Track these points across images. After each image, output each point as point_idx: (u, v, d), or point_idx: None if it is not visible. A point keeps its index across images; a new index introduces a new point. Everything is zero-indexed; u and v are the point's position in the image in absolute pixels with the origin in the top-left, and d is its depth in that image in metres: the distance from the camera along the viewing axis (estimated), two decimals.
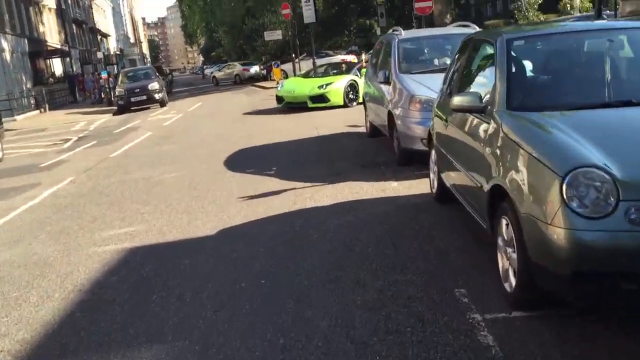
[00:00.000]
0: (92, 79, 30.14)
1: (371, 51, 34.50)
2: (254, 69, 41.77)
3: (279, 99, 16.77)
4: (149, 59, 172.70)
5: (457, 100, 3.98)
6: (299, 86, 16.53)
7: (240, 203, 6.50)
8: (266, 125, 13.59)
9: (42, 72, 41.46)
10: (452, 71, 5.52)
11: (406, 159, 7.53)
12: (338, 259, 4.44)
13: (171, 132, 14.42)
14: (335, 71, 17.52)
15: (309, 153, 9.29)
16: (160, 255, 4.98)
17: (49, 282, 4.67)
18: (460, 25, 9.50)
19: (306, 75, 19.16)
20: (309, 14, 29.57)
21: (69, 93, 30.23)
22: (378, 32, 38.02)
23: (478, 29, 8.88)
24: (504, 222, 3.52)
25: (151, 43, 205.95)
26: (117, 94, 24.62)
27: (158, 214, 6.38)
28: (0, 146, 13.08)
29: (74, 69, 52.67)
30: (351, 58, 33.74)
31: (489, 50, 4.42)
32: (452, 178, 4.86)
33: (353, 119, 12.59)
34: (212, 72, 55.07)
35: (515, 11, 22.30)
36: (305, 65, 32.91)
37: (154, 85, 24.39)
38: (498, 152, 3.56)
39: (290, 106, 16.15)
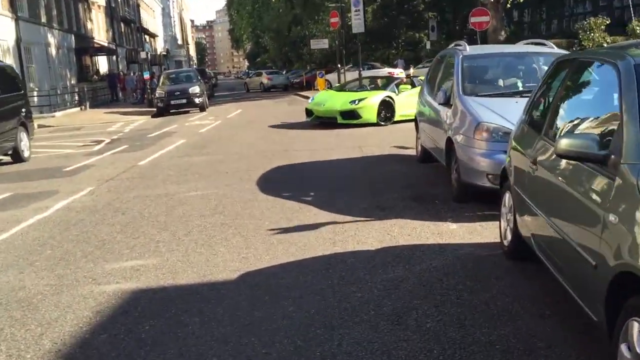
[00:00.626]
0: (133, 79, 29.75)
1: (419, 65, 33.39)
2: (280, 79, 41.04)
3: (308, 112, 15.65)
4: (195, 61, 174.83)
5: (565, 143, 2.91)
6: (331, 100, 15.40)
7: (270, 237, 5.54)
8: (306, 139, 12.65)
9: (87, 69, 41.59)
10: (539, 97, 4.46)
11: (466, 195, 6.46)
12: (385, 340, 3.41)
13: (206, 140, 13.62)
14: (372, 86, 16.33)
15: (352, 177, 8.29)
16: (166, 308, 4.03)
17: (25, 333, 3.78)
18: (532, 43, 8.38)
19: (341, 88, 17.98)
20: (357, 24, 28.66)
21: (110, 92, 29.90)
22: (428, 46, 36.87)
23: (556, 48, 7.76)
24: (635, 327, 2.45)
25: (198, 45, 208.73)
26: (157, 95, 24.10)
27: (174, 245, 5.46)
28: (28, 145, 12.45)
29: (120, 68, 52.95)
30: (398, 71, 32.73)
31: (605, 75, 3.36)
32: (539, 235, 3.79)
33: (400, 139, 11.56)
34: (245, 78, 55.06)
35: (580, 31, 20.94)
36: (351, 76, 31.99)
37: (195, 89, 23.78)
38: (633, 223, 2.50)
39: (320, 120, 15.07)
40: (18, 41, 27.31)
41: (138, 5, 73.07)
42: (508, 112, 6.16)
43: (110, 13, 51.97)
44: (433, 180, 7.75)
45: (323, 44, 34.43)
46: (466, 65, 7.32)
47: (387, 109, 14.38)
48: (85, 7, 43.40)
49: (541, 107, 4.36)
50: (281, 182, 8.22)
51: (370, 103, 14.40)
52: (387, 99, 14.47)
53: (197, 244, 5.44)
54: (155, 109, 24.13)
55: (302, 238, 5.44)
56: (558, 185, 3.34)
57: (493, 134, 6.07)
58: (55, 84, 33.15)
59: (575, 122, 3.49)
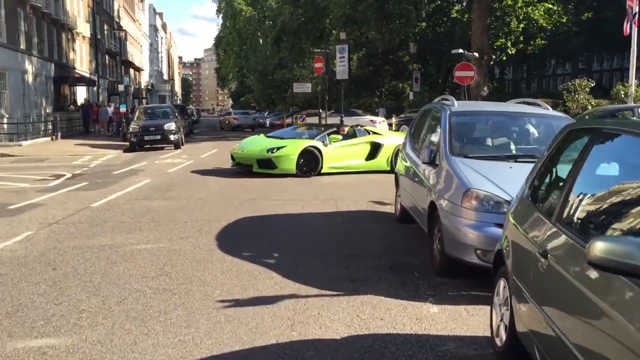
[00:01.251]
0: (107, 110, 28.83)
1: (401, 115, 33.07)
2: (247, 119, 43.23)
3: (232, 157, 14.72)
4: (180, 97, 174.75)
5: (602, 248, 2.10)
6: (253, 145, 14.56)
7: (218, 312, 4.65)
8: (279, 187, 11.84)
9: (65, 98, 40.69)
10: (546, 170, 3.73)
11: (450, 269, 5.66)
12: None
13: (172, 182, 12.73)
14: (308, 133, 15.17)
15: (323, 237, 7.46)
16: None
17: None
18: (524, 102, 7.76)
19: (274, 134, 16.77)
20: (341, 70, 28.34)
21: (82, 123, 28.93)
22: (410, 97, 36.71)
23: (551, 110, 7.13)
24: None
25: (184, 82, 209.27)
26: (130, 130, 23.24)
27: (100, 317, 4.54)
28: None
29: (100, 99, 52.14)
30: (380, 119, 32.35)
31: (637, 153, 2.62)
32: (549, 350, 2.97)
33: (378, 193, 10.82)
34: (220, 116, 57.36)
35: (564, 92, 20.71)
36: (332, 121, 31.54)
37: (170, 126, 22.98)
38: None
39: (240, 167, 14.24)
40: None
41: (125, 39, 72.79)
42: (501, 179, 5.45)
43: (95, 44, 51.37)
44: (413, 246, 6.96)
45: (306, 87, 34.05)
46: (454, 121, 6.63)
47: (309, 160, 13.65)
48: (69, 37, 42.81)
49: (549, 182, 3.62)
50: (243, 237, 7.36)
51: (288, 152, 13.63)
52: (311, 149, 13.73)
53: (128, 317, 4.53)
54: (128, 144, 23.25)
55: (255, 316, 4.56)
56: (585, 297, 2.52)
57: (484, 202, 5.32)
58: (30, 112, 32.17)
59: (606, 213, 2.71)
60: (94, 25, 48.65)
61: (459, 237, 5.36)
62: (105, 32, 58.30)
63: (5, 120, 27.93)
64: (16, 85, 30.17)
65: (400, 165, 8.43)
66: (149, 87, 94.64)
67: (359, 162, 14.18)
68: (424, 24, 39.20)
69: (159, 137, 22.70)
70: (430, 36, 39.88)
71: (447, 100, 7.34)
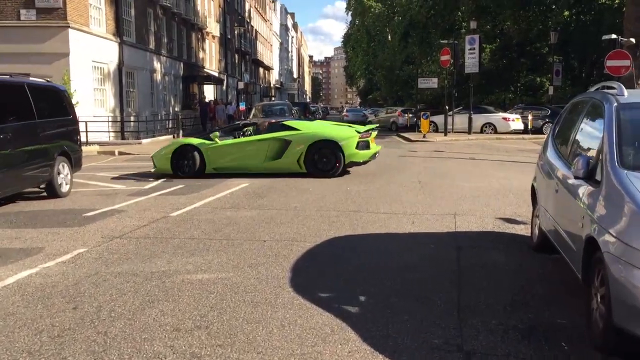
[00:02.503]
0: (223, 109, 28.49)
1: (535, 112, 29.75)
2: (357, 116, 41.98)
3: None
4: (309, 95, 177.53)
5: None
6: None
7: None
8: (390, 195, 10.11)
9: (193, 97, 41.61)
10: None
11: (619, 346, 3.67)
12: None
13: (272, 186, 11.43)
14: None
15: (430, 271, 5.64)
16: None
17: None
18: None
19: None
20: (471, 63, 25.89)
21: (200, 121, 28.88)
22: (550, 92, 33.15)
23: None
24: None
25: (314, 80, 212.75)
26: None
27: None
28: (69, 179, 10.85)
29: (229, 97, 53.19)
30: (514, 117, 29.39)
31: None
32: None
33: (511, 206, 8.76)
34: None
35: None
36: (460, 120, 29.10)
37: None
38: None
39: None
40: (120, 65, 27.05)
41: (255, 38, 74.22)
42: None
43: (225, 44, 52.42)
44: (557, 291, 4.97)
45: (432, 83, 31.78)
46: (626, 118, 4.55)
47: (187, 159, 12.88)
48: (199, 36, 43.72)
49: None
50: (326, 267, 5.74)
51: (164, 151, 13.18)
52: (187, 147, 12.96)
53: None
54: None
55: None
56: None
57: None
58: (157, 110, 32.92)
59: None
60: (224, 24, 49.61)
61: (637, 303, 3.36)
62: (236, 32, 59.48)
63: (132, 119, 28.60)
64: (144, 84, 30.87)
65: (540, 177, 6.39)
66: (277, 86, 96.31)
67: (259, 163, 12.82)
68: (566, 12, 35.39)
69: None
70: (573, 26, 35.94)
71: (612, 88, 5.23)
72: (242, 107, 28.52)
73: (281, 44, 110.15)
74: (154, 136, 27.73)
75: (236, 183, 11.93)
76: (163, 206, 9.29)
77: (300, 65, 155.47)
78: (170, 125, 30.92)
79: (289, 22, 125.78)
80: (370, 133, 12.90)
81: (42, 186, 10.34)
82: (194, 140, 13.40)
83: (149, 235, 7.13)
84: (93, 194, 10.85)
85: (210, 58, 48.19)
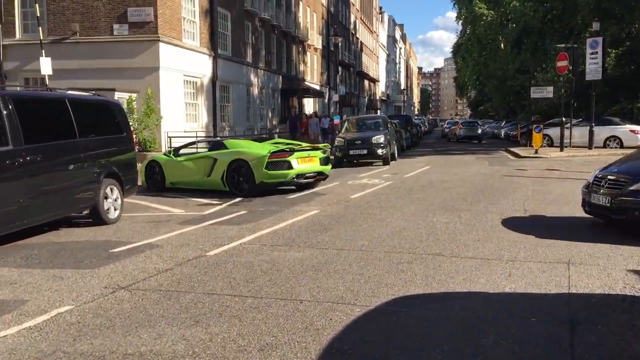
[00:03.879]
0: (317, 123, 27.02)
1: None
2: (472, 130, 39.08)
3: None
4: (418, 107, 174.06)
5: None
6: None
7: None
8: (483, 231, 8.08)
9: (291, 110, 40.88)
10: None
11: None
12: None
13: (342, 215, 9.76)
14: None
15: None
16: None
17: None
18: None
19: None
20: (593, 69, 22.81)
21: (290, 136, 27.65)
22: None
23: None
24: None
25: (423, 92, 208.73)
26: (336, 143, 21.05)
27: None
28: (120, 203, 9.78)
29: (332, 110, 52.21)
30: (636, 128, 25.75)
31: None
32: None
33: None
34: None
35: None
36: (579, 133, 25.89)
37: (379, 139, 20.22)
38: None
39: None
40: (214, 79, 26.56)
41: (360, 50, 73.05)
42: None
43: (327, 56, 51.54)
44: None
45: (547, 92, 28.68)
46: None
47: (153, 174, 13.85)
48: (300, 49, 43.05)
49: None
50: (370, 358, 3.96)
51: (140, 166, 13.76)
52: (153, 163, 13.91)
53: None
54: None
55: None
56: None
57: None
58: (254, 124, 32.30)
59: None
60: (327, 36, 48.72)
61: None
62: (340, 44, 58.52)
63: (226, 133, 28.03)
64: (240, 98, 30.32)
65: None
66: (383, 98, 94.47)
67: (199, 179, 13.11)
68: None
69: (365, 151, 20.12)
70: None
71: None
72: (337, 120, 27.05)
73: (388, 55, 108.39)
74: None
75: (305, 210, 10.37)
76: (206, 240, 7.88)
77: (408, 77, 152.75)
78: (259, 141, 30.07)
79: (397, 34, 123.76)
80: (292, 153, 12.46)
81: (85, 212, 9.32)
82: (161, 157, 13.98)
83: (160, 287, 5.68)
84: (143, 221, 9.70)
85: (312, 71, 47.44)
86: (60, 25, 22.12)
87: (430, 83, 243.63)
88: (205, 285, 5.68)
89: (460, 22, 70.73)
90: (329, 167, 13.73)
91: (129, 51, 21.55)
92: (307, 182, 12.99)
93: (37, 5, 19.39)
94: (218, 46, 27.27)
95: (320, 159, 13.18)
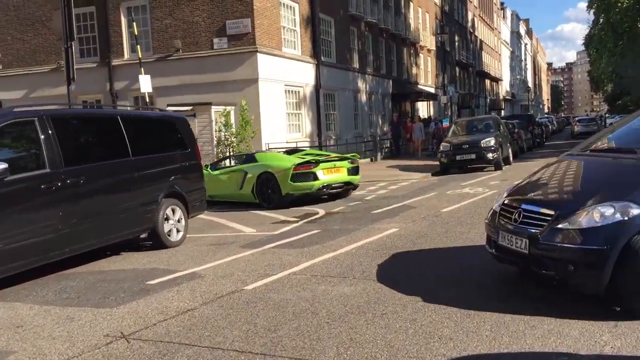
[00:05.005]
0: (420, 127, 25.29)
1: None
2: (590, 126, 34.60)
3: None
4: (548, 105, 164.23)
5: None
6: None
7: None
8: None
9: (395, 115, 39.45)
10: None
11: None
12: None
13: (426, 233, 8.43)
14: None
15: None
16: None
17: None
18: None
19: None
20: None
21: (392, 142, 26.09)
22: None
23: None
24: None
25: (554, 89, 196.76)
26: (441, 148, 19.47)
27: None
28: (183, 225, 9.15)
29: (449, 112, 50.03)
30: None
31: None
32: None
33: None
34: None
35: None
36: None
37: (489, 142, 18.42)
38: None
39: None
40: (317, 87, 25.90)
41: (479, 49, 69.78)
42: None
43: (443, 57, 49.49)
44: None
45: None
46: None
47: None
48: (412, 51, 41.54)
49: None
50: None
51: None
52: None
53: None
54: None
55: None
56: None
57: None
58: (362, 132, 31.30)
59: None
60: (442, 37, 46.69)
61: None
62: (456, 44, 56.09)
63: (332, 142, 27.29)
64: (347, 106, 29.47)
65: None
66: (507, 97, 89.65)
67: (233, 192, 13.35)
68: None
69: (473, 155, 18.41)
70: None
71: None
72: (446, 124, 25.28)
73: (512, 52, 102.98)
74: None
75: (384, 227, 9.15)
76: (254, 269, 6.94)
77: (536, 73, 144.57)
78: (365, 148, 28.86)
79: (522, 29, 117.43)
80: (317, 164, 12.39)
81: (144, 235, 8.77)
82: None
83: (165, 336, 4.76)
84: (206, 243, 8.99)
85: (425, 73, 45.65)
86: (164, 43, 22.50)
87: (561, 79, 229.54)
88: (217, 335, 4.69)
89: (592, 11, 65.30)
90: (358, 177, 13.54)
91: (228, 64, 21.43)
92: (335, 192, 13.01)
93: (134, 24, 19.79)
94: (321, 53, 26.61)
95: (347, 169, 13.03)
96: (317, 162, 12.47)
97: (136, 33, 19.66)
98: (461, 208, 10.78)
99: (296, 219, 10.80)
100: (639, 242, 4.38)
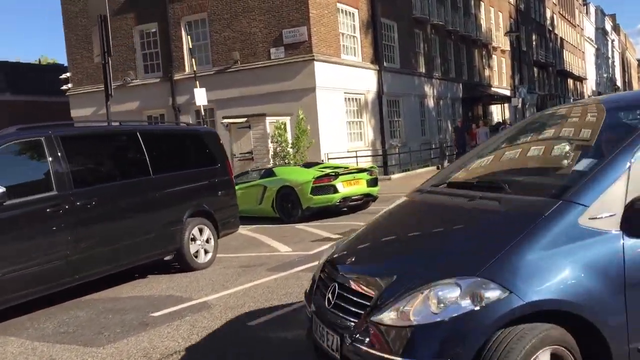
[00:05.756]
0: (486, 132, 23.81)
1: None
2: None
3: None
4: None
5: None
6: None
7: None
8: None
9: (459, 120, 37.85)
10: None
11: None
12: None
13: None
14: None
15: None
16: None
17: None
18: None
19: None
20: None
21: (456, 149, 24.67)
22: None
23: None
24: None
25: None
26: None
27: None
28: (212, 245, 8.63)
29: (527, 114, 47.70)
30: None
31: None
32: None
33: None
34: None
35: None
36: None
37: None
38: None
39: None
40: (380, 94, 25.08)
41: (560, 47, 66.47)
42: None
43: (519, 57, 47.31)
44: None
45: None
46: None
47: None
48: (484, 53, 39.90)
49: None
50: None
51: None
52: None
53: None
54: None
55: None
56: None
57: None
58: (430, 138, 30.14)
59: None
60: (517, 37, 44.61)
61: None
62: (534, 43, 53.56)
63: (397, 150, 26.36)
64: (412, 112, 28.44)
65: None
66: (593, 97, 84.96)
67: (253, 207, 12.95)
68: None
69: None
70: None
71: None
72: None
73: (597, 50, 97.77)
74: (419, 167, 24.91)
75: None
76: (268, 299, 6.28)
77: (625, 71, 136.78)
78: (433, 155, 27.64)
79: (608, 25, 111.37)
80: (336, 177, 12.19)
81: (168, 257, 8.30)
82: None
83: None
84: (235, 265, 8.42)
85: (499, 75, 43.74)
86: (223, 55, 22.39)
87: None
88: None
89: None
90: (377, 188, 13.22)
91: (285, 74, 21.03)
92: (355, 205, 12.75)
93: (189, 38, 19.74)
94: (384, 59, 25.78)
95: (367, 180, 12.75)
96: (337, 175, 12.34)
97: (190, 46, 19.61)
98: None
99: (339, 236, 10.06)
100: (503, 345, 2.69)
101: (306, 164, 14.59)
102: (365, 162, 22.55)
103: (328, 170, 12.77)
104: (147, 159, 7.78)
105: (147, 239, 7.66)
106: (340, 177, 12.34)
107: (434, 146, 29.32)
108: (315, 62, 20.88)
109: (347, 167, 13.72)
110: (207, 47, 22.76)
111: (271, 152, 18.51)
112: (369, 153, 23.79)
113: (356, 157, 21.31)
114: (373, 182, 13.03)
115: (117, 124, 8.17)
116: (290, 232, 11.17)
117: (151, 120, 10.94)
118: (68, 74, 26.07)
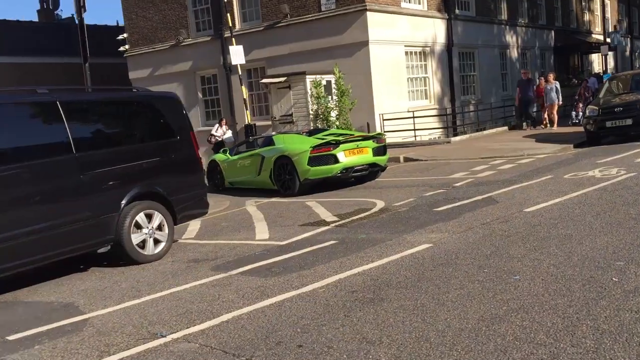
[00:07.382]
0: (555, 88, 20.10)
1: None
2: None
3: None
4: None
5: None
6: None
7: None
8: None
9: (574, 71, 33.84)
10: None
11: None
12: None
13: (463, 256, 5.65)
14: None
15: None
16: None
17: None
18: None
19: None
20: None
21: (518, 108, 21.26)
22: None
23: None
24: None
25: None
26: (587, 113, 15.39)
27: None
28: (167, 233, 7.29)
29: (638, 64, 42.65)
30: None
31: None
32: None
33: None
34: None
35: None
36: None
37: None
38: None
39: None
40: (449, 46, 22.53)
41: None
42: None
43: None
44: None
45: None
46: None
47: (215, 175, 13.58)
48: None
49: None
50: None
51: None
52: (215, 163, 13.67)
53: None
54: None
55: None
56: None
57: None
58: (513, 93, 27.06)
59: None
60: None
61: None
62: None
63: (471, 107, 23.83)
64: (491, 65, 25.57)
65: None
66: None
67: (251, 178, 12.37)
68: None
69: (629, 121, 14.20)
70: None
71: None
72: (606, 80, 20.16)
73: None
74: (484, 128, 22.30)
75: (417, 241, 6.48)
76: (168, 318, 4.83)
77: None
78: (504, 114, 24.54)
79: None
80: (337, 145, 11.12)
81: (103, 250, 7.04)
82: (220, 157, 13.60)
83: None
84: (187, 259, 7.05)
85: (602, 19, 38.89)
86: (272, 9, 20.79)
87: None
88: None
89: None
90: (385, 157, 11.98)
91: (336, 27, 19.13)
92: (360, 175, 11.68)
93: None
94: (455, 6, 23.09)
95: (372, 149, 11.53)
96: (338, 143, 11.23)
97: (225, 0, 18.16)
98: (556, 206, 7.53)
99: (336, 219, 8.41)
100: None
101: (311, 131, 13.05)
102: (428, 123, 20.41)
103: (329, 138, 11.62)
104: (69, 134, 6.47)
105: (70, 230, 6.40)
106: (342, 145, 11.19)
107: (516, 103, 26.32)
108: (368, 13, 18.78)
109: (352, 134, 12.39)
110: (256, 1, 21.25)
111: (312, 115, 16.90)
112: (435, 112, 21.51)
113: (413, 117, 19.22)
114: (380, 151, 11.80)
115: (45, 91, 6.87)
116: (291, 210, 9.71)
117: (89, 87, 9.75)
118: (125, 35, 25.52)
